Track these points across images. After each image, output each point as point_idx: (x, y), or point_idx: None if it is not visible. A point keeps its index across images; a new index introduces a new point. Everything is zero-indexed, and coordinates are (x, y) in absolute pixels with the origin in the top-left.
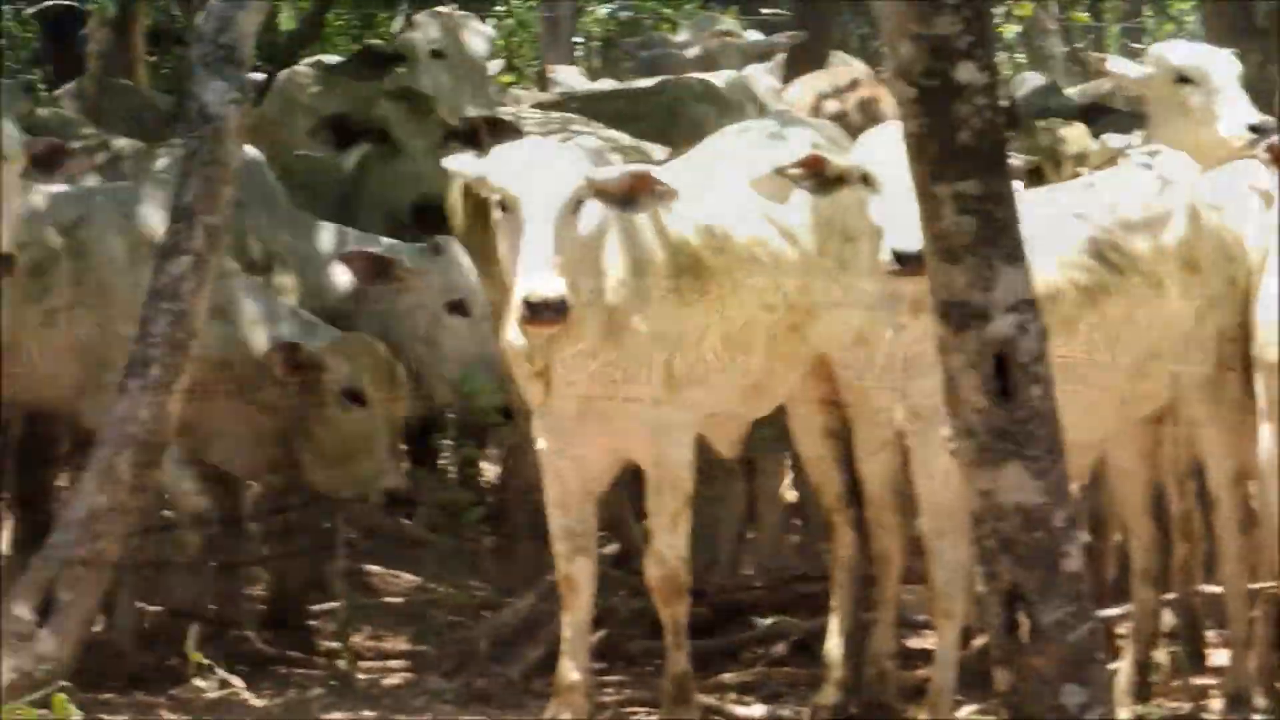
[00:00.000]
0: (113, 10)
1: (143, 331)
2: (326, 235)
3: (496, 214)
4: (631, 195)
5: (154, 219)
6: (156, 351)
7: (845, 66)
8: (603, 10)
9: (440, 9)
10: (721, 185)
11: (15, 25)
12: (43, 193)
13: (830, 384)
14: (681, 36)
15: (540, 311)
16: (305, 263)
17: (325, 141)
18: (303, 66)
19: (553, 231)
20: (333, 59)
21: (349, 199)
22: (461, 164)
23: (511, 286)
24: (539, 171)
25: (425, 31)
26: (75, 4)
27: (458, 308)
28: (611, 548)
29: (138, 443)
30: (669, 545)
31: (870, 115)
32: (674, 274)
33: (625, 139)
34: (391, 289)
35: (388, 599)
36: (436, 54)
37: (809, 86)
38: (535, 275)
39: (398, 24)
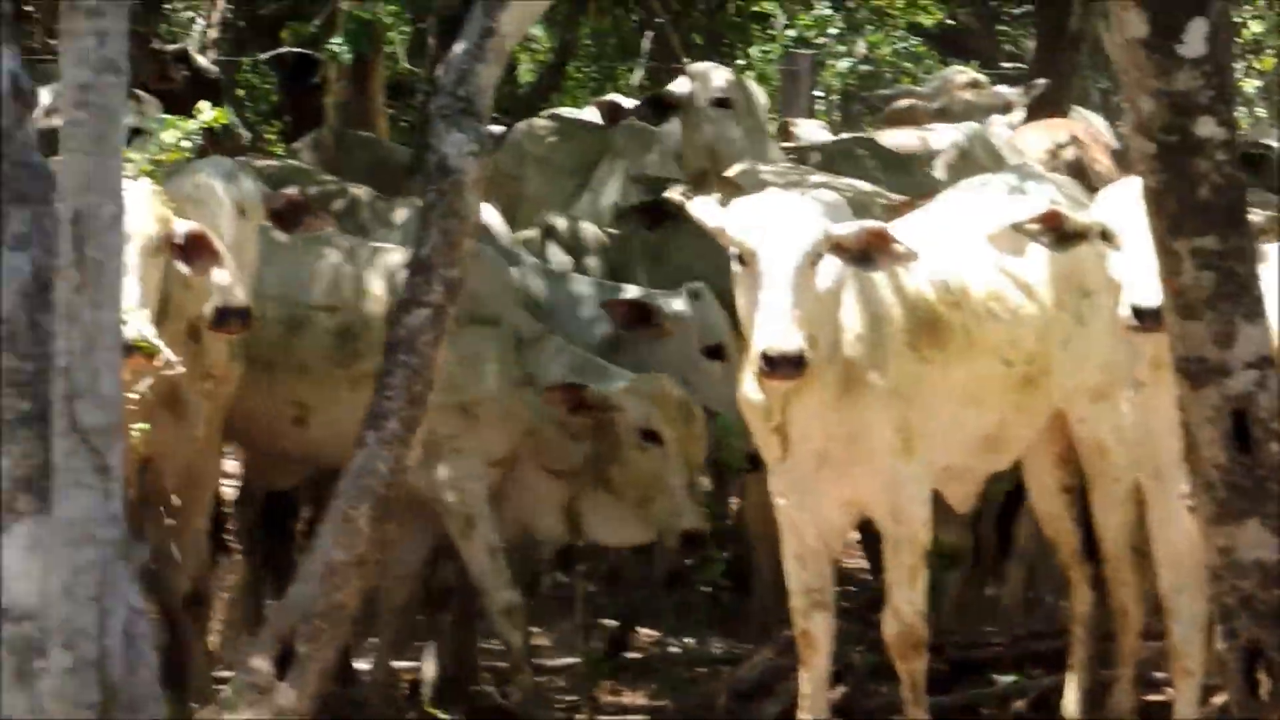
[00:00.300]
0: (347, 58)
1: (380, 384)
2: (577, 286)
3: (735, 267)
4: (869, 252)
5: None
6: (394, 404)
7: (1081, 120)
8: (842, 64)
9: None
10: (959, 239)
11: (255, 77)
12: (353, 254)
13: (1066, 439)
14: (927, 88)
15: (778, 365)
16: (554, 313)
17: (637, 225)
18: (540, 119)
19: (791, 285)
20: (570, 112)
21: (620, 266)
22: (703, 213)
23: (749, 340)
24: (777, 225)
25: (706, 81)
26: (310, 52)
27: (715, 353)
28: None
29: (375, 495)
30: (907, 600)
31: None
32: (911, 328)
33: (864, 186)
34: (651, 335)
35: (627, 653)
36: (721, 103)
37: (1043, 133)
38: (773, 329)
39: (637, 76)
